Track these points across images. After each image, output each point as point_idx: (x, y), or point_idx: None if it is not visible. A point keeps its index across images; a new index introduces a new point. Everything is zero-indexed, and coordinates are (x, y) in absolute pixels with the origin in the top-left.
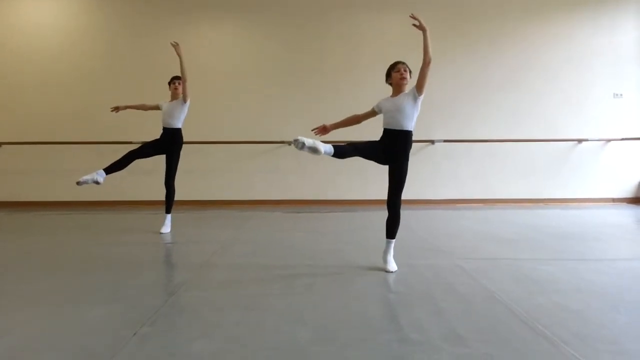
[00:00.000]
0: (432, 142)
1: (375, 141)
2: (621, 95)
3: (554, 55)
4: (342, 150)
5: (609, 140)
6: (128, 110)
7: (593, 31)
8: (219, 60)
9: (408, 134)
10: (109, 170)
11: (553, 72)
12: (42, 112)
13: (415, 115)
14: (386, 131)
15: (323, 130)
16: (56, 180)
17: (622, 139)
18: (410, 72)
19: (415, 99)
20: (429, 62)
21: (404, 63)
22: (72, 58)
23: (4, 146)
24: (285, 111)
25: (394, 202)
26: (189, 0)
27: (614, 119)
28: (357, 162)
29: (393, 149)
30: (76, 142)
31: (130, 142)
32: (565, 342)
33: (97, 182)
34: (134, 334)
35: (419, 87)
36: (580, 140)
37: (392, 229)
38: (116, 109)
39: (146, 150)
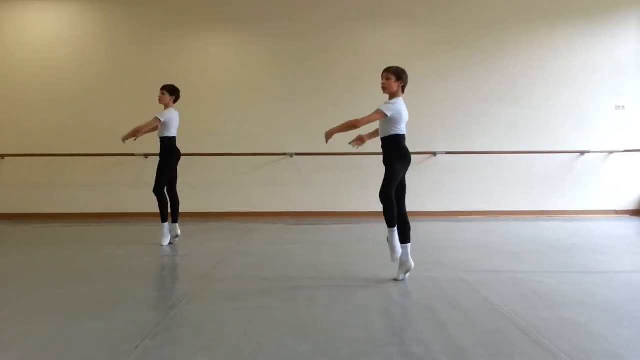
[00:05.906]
0: (434, 154)
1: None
2: (623, 107)
3: (555, 67)
4: (395, 221)
5: (611, 152)
6: (128, 119)
7: (594, 43)
8: (221, 72)
9: (388, 139)
10: (162, 217)
11: (554, 84)
12: (44, 124)
13: (389, 123)
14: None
15: (360, 141)
16: (57, 192)
17: (625, 151)
18: (393, 78)
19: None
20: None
21: (387, 70)
22: (74, 70)
23: (6, 158)
24: (287, 123)
25: (381, 192)
26: (191, 12)
27: (616, 131)
28: (359, 174)
29: (384, 157)
30: (77, 154)
31: (133, 154)
32: (569, 355)
33: (176, 236)
34: (136, 347)
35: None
36: (582, 152)
37: (386, 218)
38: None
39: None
